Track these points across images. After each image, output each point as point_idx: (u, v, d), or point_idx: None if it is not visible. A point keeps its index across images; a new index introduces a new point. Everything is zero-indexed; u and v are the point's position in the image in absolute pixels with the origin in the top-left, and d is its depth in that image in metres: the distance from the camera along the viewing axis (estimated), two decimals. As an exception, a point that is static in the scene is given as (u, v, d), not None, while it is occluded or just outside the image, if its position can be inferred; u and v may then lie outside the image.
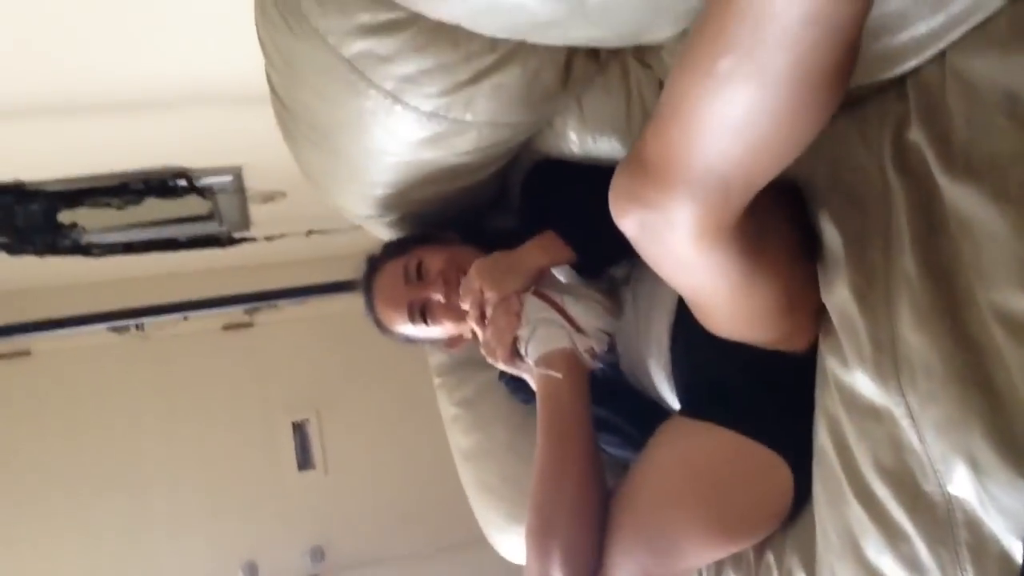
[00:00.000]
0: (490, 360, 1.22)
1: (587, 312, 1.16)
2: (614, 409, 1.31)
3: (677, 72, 0.70)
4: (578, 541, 1.04)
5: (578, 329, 1.14)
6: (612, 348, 1.28)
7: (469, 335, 1.40)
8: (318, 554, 3.18)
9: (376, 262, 1.40)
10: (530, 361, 1.15)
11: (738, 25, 0.62)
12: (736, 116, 0.66)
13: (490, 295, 1.18)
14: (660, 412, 1.23)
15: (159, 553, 3.04)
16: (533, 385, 1.16)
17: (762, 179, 0.74)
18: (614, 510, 1.07)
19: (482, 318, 1.21)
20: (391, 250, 1.39)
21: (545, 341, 1.14)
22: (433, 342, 1.44)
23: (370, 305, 1.40)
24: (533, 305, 1.16)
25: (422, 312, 1.32)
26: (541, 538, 1.06)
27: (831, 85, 0.65)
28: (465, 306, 1.22)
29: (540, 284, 1.20)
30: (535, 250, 1.20)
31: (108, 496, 3.02)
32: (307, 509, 3.21)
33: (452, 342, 1.43)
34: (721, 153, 0.69)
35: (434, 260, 1.32)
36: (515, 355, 1.19)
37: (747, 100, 0.65)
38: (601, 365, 1.18)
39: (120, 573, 3.01)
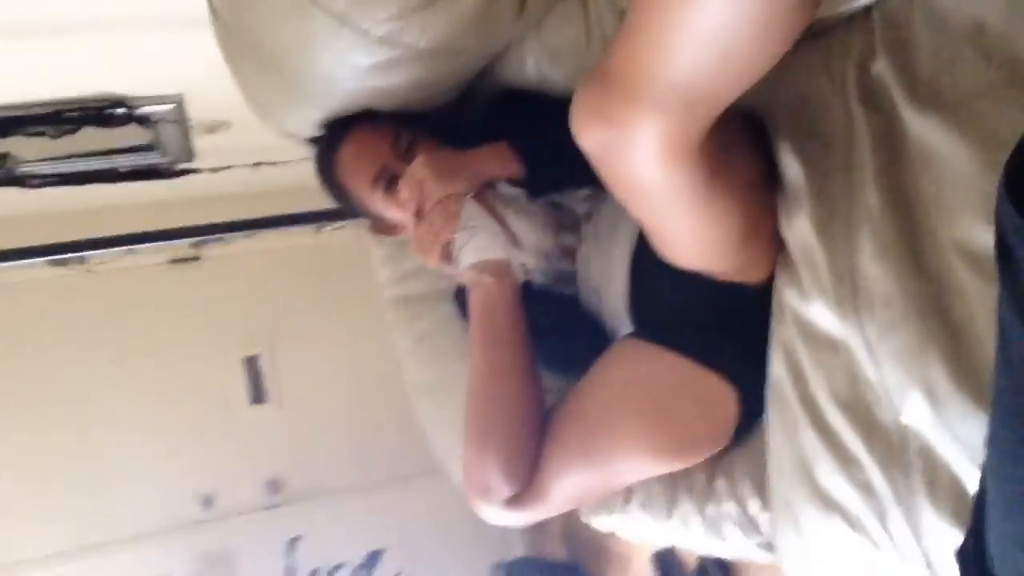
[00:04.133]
0: (419, 258, 1.20)
1: (527, 227, 1.14)
2: (559, 319, 1.29)
3: None
4: (514, 445, 1.07)
5: (515, 243, 1.13)
6: (571, 281, 1.28)
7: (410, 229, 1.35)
8: (274, 486, 3.19)
9: (361, 116, 1.29)
10: (462, 267, 1.14)
11: None
12: (707, 27, 0.65)
13: (432, 190, 1.14)
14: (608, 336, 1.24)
15: (114, 488, 3.02)
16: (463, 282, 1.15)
17: (728, 95, 0.73)
18: (554, 420, 1.10)
19: (419, 213, 1.16)
20: (382, 115, 1.29)
21: (480, 249, 1.12)
22: (368, 214, 1.36)
23: (332, 150, 1.29)
24: (473, 210, 1.14)
25: (389, 182, 1.24)
26: (477, 442, 1.08)
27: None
28: (404, 196, 1.16)
29: (483, 193, 1.16)
30: (485, 156, 1.16)
31: (58, 434, 2.97)
32: (262, 442, 3.20)
33: (388, 228, 1.36)
34: (689, 66, 0.68)
35: (426, 146, 1.25)
36: (447, 257, 1.16)
37: (719, 9, 0.63)
38: (528, 280, 1.16)
39: (75, 511, 2.98)
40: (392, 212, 1.29)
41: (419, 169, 1.14)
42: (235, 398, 3.20)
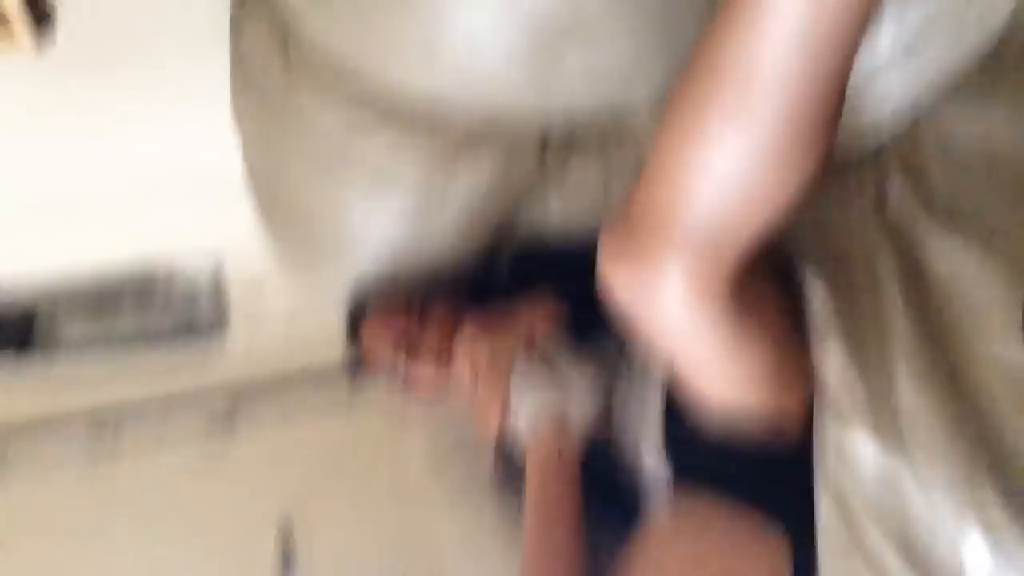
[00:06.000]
0: (480, 424, 1.21)
1: (579, 379, 1.15)
2: (604, 477, 1.28)
3: (662, 131, 0.70)
4: None
5: (568, 399, 1.14)
6: (605, 426, 1.26)
7: (433, 387, 1.37)
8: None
9: (382, 296, 1.37)
10: (519, 426, 1.15)
11: (725, 84, 0.62)
12: (725, 171, 0.66)
13: (481, 357, 1.17)
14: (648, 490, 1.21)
15: None
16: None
17: (751, 233, 0.74)
18: None
19: (474, 380, 1.19)
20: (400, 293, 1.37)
21: (535, 406, 1.13)
22: (398, 377, 1.39)
23: (355, 327, 1.38)
24: (524, 369, 1.16)
25: (409, 348, 1.30)
26: None
27: (821, 136, 0.65)
28: (456, 366, 1.21)
29: (532, 350, 1.19)
30: (528, 312, 1.20)
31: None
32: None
33: (421, 388, 1.39)
34: (710, 209, 0.69)
35: (439, 308, 1.31)
36: (505, 420, 1.17)
37: (736, 155, 0.65)
38: (586, 435, 1.16)
39: None
40: (415, 371, 1.33)
41: (466, 339, 1.19)
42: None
